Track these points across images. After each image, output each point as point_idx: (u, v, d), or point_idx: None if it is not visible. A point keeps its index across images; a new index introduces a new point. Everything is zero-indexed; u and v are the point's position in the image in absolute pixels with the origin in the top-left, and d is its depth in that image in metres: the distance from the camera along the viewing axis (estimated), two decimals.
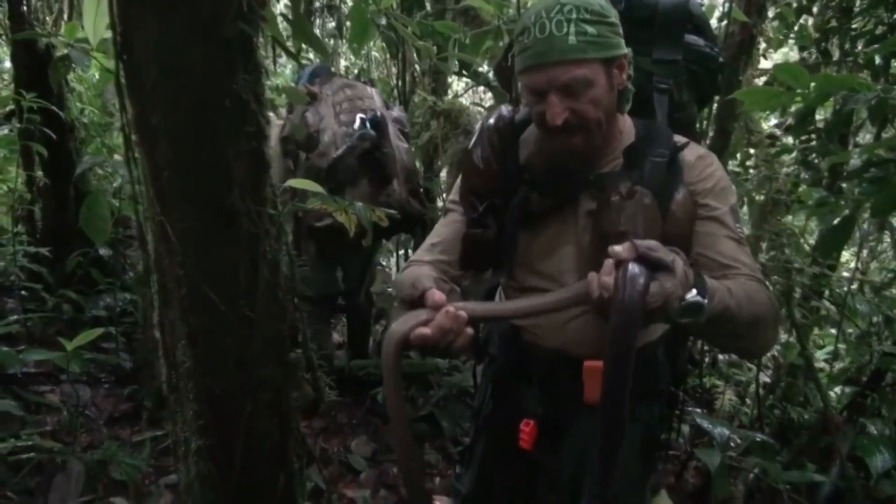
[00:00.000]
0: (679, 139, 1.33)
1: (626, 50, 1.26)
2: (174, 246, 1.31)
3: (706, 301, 1.03)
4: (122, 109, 1.29)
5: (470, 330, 1.10)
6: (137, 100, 1.26)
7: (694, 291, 1.02)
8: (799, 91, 1.47)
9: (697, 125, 1.56)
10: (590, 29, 1.18)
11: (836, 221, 1.55)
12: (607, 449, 1.02)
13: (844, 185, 3.05)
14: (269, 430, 1.51)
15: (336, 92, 3.16)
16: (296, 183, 1.54)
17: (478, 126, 1.47)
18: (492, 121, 1.43)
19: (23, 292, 3.42)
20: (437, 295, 1.12)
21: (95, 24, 1.50)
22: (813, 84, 1.45)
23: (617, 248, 0.99)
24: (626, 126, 1.38)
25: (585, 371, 1.15)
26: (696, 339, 1.59)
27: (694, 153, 1.34)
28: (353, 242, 2.19)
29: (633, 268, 0.95)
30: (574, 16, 1.17)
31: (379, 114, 2.98)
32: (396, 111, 3.25)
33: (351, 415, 3.31)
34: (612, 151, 1.35)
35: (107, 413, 2.92)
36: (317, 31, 6.03)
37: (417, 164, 4.26)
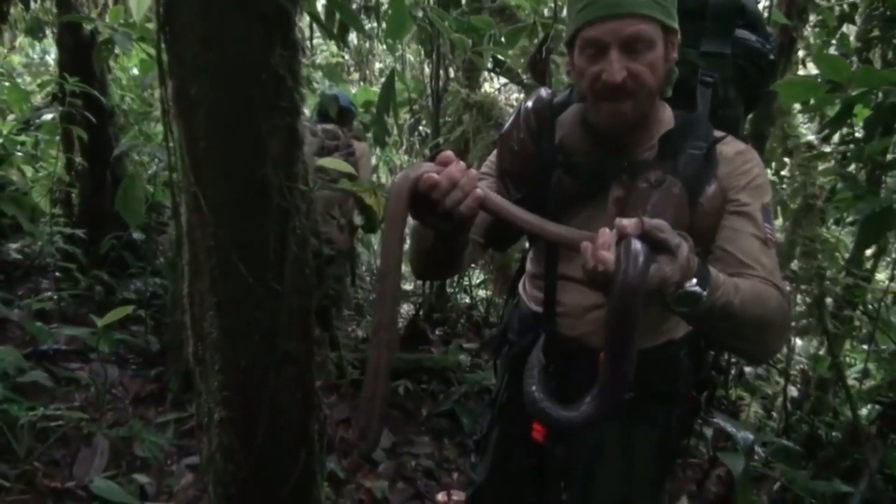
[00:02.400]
0: (719, 133, 1.30)
1: (677, 27, 1.24)
2: (206, 216, 1.33)
3: (705, 293, 0.99)
4: (161, 81, 1.32)
5: (479, 191, 1.01)
6: (177, 71, 1.29)
7: (694, 281, 0.98)
8: (839, 89, 1.44)
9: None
10: None
11: (875, 210, 1.50)
12: (611, 394, 1.00)
13: (884, 180, 2.96)
14: (291, 406, 1.53)
15: None
16: (327, 162, 1.55)
17: (515, 108, 1.46)
18: (530, 103, 1.41)
19: (57, 273, 3.51)
20: (451, 154, 1.03)
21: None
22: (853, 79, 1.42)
23: (624, 222, 0.94)
24: (666, 115, 1.35)
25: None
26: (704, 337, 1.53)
27: (733, 148, 1.30)
28: None
29: (636, 245, 0.91)
30: None
31: None
32: None
33: None
34: (648, 139, 1.32)
35: (133, 393, 2.97)
36: (352, 35, 6.09)
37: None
